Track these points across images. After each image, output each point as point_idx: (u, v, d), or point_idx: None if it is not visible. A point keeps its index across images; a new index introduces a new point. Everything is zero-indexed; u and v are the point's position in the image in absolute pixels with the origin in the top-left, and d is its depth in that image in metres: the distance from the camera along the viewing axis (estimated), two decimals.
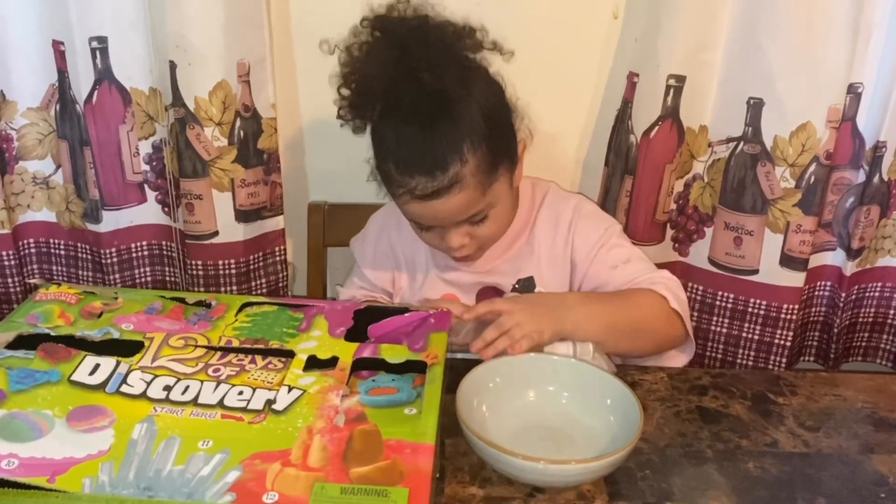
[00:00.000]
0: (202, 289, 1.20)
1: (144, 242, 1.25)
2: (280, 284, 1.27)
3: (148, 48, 1.12)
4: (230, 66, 1.10)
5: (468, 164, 0.89)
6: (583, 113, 1.24)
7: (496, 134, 0.92)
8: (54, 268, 1.28)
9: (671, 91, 1.11)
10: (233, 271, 1.20)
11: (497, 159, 0.92)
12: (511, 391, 0.85)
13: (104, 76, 1.14)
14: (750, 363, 1.23)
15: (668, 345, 1.01)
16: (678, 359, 1.04)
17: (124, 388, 0.73)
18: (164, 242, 1.26)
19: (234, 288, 1.21)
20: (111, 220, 1.21)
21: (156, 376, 0.75)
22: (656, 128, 1.13)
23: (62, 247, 1.27)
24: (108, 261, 1.23)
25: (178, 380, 0.75)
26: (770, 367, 1.22)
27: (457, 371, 0.83)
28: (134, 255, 1.25)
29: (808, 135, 1.09)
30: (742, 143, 1.14)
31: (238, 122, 1.14)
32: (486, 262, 1.04)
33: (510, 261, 1.04)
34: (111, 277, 1.24)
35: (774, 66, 1.07)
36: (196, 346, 0.80)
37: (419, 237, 1.00)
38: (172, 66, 1.08)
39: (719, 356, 1.25)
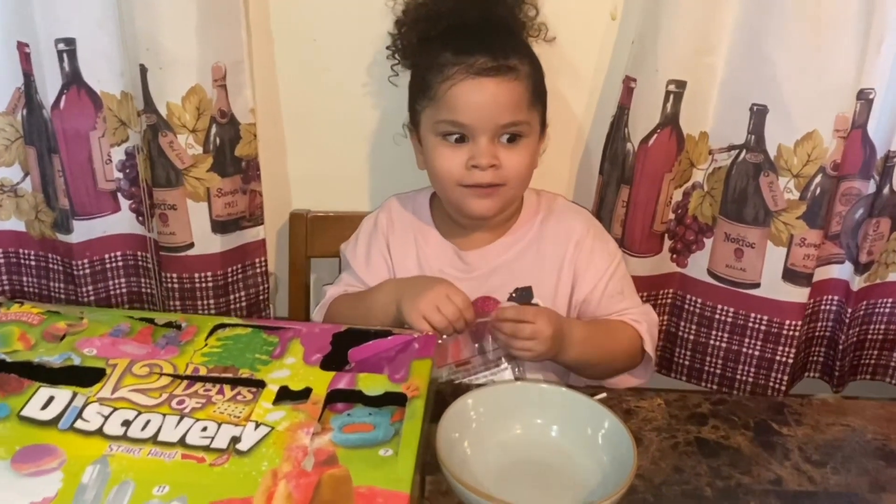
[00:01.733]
0: (178, 303, 1.14)
1: (119, 253, 1.20)
2: (261, 297, 1.21)
3: (118, 49, 1.07)
4: (204, 70, 1.04)
5: (525, 65, 0.95)
6: (576, 119, 1.19)
7: (541, 78, 1.00)
8: (25, 279, 1.22)
9: (671, 97, 1.06)
10: (210, 284, 1.15)
11: (540, 95, 0.99)
12: (496, 424, 0.80)
13: (72, 80, 1.08)
14: (750, 379, 1.18)
15: (624, 370, 1.04)
16: (629, 381, 1.04)
17: (79, 424, 0.68)
18: (139, 253, 1.20)
19: (212, 301, 1.16)
20: (83, 230, 1.15)
21: (115, 409, 0.70)
22: (655, 135, 1.08)
23: (32, 257, 1.21)
24: (81, 272, 1.17)
25: (139, 413, 0.70)
26: (771, 384, 1.17)
27: (443, 397, 0.79)
28: (108, 266, 1.19)
29: (814, 144, 1.04)
30: (744, 151, 1.09)
31: (214, 129, 1.08)
32: (486, 260, 1.01)
33: (510, 264, 1.02)
34: (84, 290, 1.18)
35: (780, 70, 1.02)
36: (161, 375, 0.76)
37: (439, 164, 0.96)
38: (143, 69, 1.03)
39: (717, 371, 1.20)
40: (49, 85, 1.07)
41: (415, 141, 1.03)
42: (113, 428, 0.68)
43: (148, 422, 0.69)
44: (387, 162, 1.20)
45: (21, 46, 1.07)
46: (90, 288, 1.18)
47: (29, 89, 1.09)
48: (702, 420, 0.88)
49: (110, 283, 1.20)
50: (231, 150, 1.11)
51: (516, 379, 0.95)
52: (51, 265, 1.20)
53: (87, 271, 1.18)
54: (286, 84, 1.17)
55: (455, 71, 0.92)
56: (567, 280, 1.02)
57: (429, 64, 0.96)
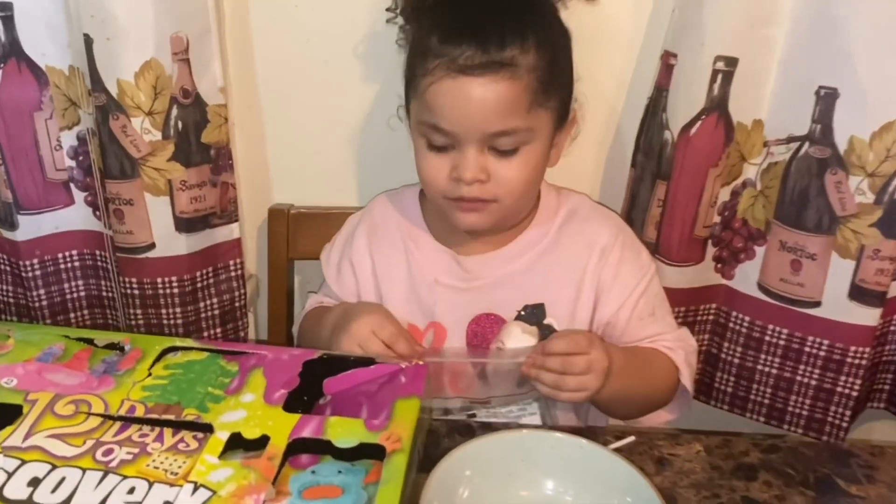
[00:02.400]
0: (139, 311, 1.01)
1: (74, 252, 1.06)
2: (237, 304, 1.07)
3: (63, 16, 0.92)
4: (162, 41, 0.89)
5: (528, 56, 0.77)
6: (605, 102, 1.04)
7: (561, 60, 0.83)
8: None
9: (718, 76, 0.91)
10: (175, 290, 1.00)
11: (554, 87, 0.81)
12: (495, 486, 0.65)
13: (10, 51, 0.94)
14: (804, 412, 1.02)
15: (659, 406, 0.91)
16: (662, 417, 0.91)
17: None
18: (97, 252, 1.06)
19: (178, 310, 1.02)
20: (30, 227, 1.02)
21: (23, 462, 0.60)
22: (699, 122, 0.93)
23: None
24: (30, 274, 1.04)
25: (53, 468, 0.60)
26: (830, 418, 1.01)
27: (436, 437, 0.69)
28: (62, 266, 1.06)
29: (894, 137, 0.88)
30: (807, 143, 0.93)
31: (175, 111, 0.93)
32: (490, 268, 0.88)
33: (519, 275, 0.88)
34: (35, 294, 1.05)
35: (854, 46, 0.87)
36: (89, 415, 0.66)
37: (423, 170, 0.83)
38: (88, 40, 0.88)
39: (765, 401, 1.05)
40: None
41: (409, 128, 0.87)
42: (16, 489, 0.58)
43: (62, 480, 0.59)
44: (381, 150, 1.05)
45: None
46: (42, 292, 1.05)
47: None
48: (750, 473, 0.75)
49: (65, 285, 1.07)
50: (197, 136, 0.96)
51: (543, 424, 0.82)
52: None
53: (38, 272, 1.04)
54: (264, 58, 1.02)
55: (436, 65, 0.77)
56: (588, 297, 0.88)
57: (416, 45, 0.81)
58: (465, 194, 0.80)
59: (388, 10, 0.90)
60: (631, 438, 0.76)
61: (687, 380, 0.87)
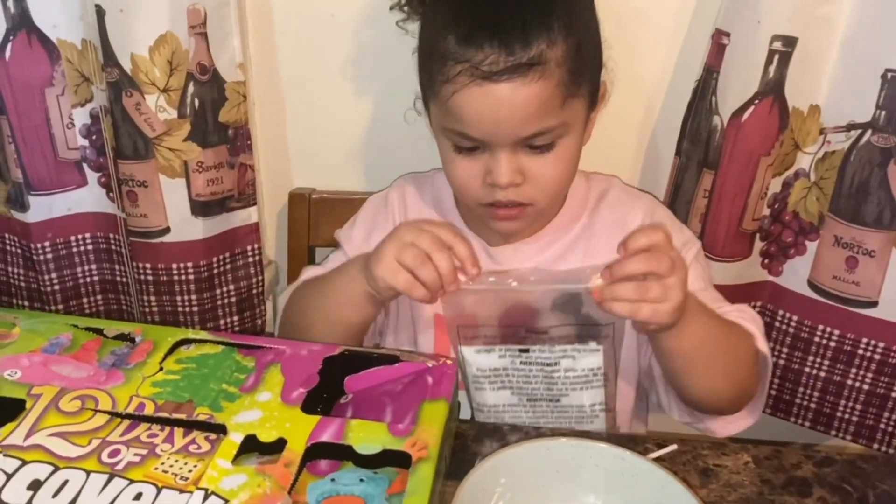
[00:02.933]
0: (153, 298, 0.97)
1: (87, 235, 1.02)
2: (254, 291, 1.03)
3: None
4: (178, 13, 0.85)
5: (556, 49, 0.70)
6: (648, 83, 0.97)
7: (589, 38, 0.76)
8: None
9: (775, 57, 0.84)
10: (191, 277, 0.96)
11: (585, 71, 0.74)
12: (529, 499, 0.61)
13: (20, 23, 0.90)
14: (854, 419, 0.97)
15: (745, 395, 0.80)
16: (736, 424, 0.81)
17: None
18: (111, 235, 1.02)
19: (194, 297, 0.98)
20: (42, 208, 0.98)
21: (24, 462, 0.57)
22: (751, 107, 0.87)
23: None
24: (42, 257, 1.00)
25: (56, 469, 0.56)
26: (882, 425, 0.95)
27: (464, 441, 0.65)
28: (74, 249, 1.02)
29: None
30: (870, 131, 0.87)
31: (191, 88, 0.89)
32: (521, 258, 0.83)
33: (552, 265, 0.83)
34: (46, 277, 1.01)
35: None
36: (95, 412, 0.62)
37: (452, 174, 0.77)
38: (100, 12, 0.83)
39: (812, 405, 0.99)
40: None
41: (429, 124, 0.81)
42: (15, 493, 0.55)
43: (64, 483, 0.56)
44: (408, 133, 0.98)
45: None
46: (54, 276, 1.02)
47: None
48: (803, 488, 0.69)
49: (78, 269, 1.04)
50: (214, 115, 0.92)
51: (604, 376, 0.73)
52: (8, 247, 1.03)
53: (50, 256, 1.01)
54: (284, 34, 0.97)
55: (458, 72, 0.70)
56: None
57: (431, 45, 0.74)
58: (500, 198, 0.74)
59: None
60: (673, 447, 0.70)
61: (763, 344, 0.78)
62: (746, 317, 0.80)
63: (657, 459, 0.64)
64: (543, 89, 0.70)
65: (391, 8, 0.83)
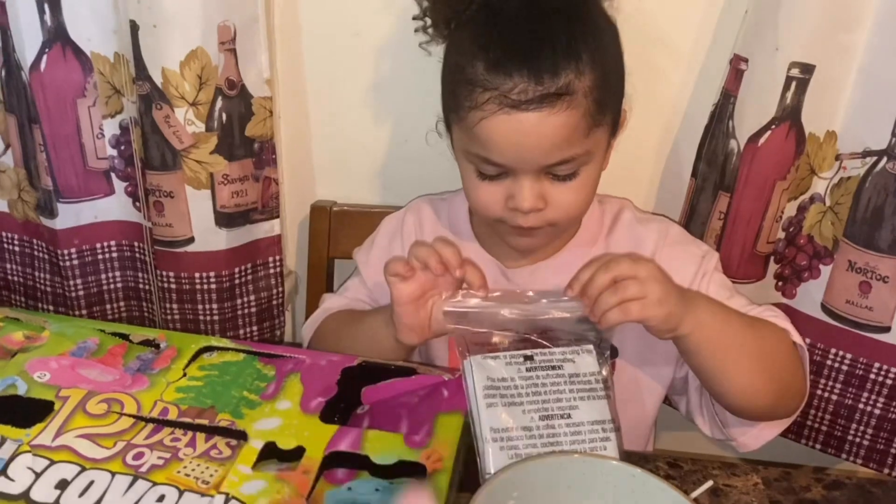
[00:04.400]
0: (175, 306, 0.98)
1: (113, 242, 1.04)
2: (274, 302, 1.04)
3: (110, 2, 0.89)
4: (209, 30, 0.86)
5: (584, 79, 0.70)
6: (666, 106, 0.98)
7: (614, 67, 0.76)
8: (9, 266, 1.08)
9: (792, 84, 0.85)
10: (213, 286, 0.98)
11: (609, 100, 0.74)
12: None
13: (56, 36, 0.91)
14: (865, 443, 0.96)
15: (790, 391, 0.79)
16: (770, 430, 0.81)
17: (1, 485, 0.55)
18: (136, 244, 1.04)
19: (215, 306, 0.99)
20: (70, 215, 1.00)
21: (52, 462, 0.58)
22: (768, 131, 0.87)
23: (16, 242, 1.06)
24: (68, 263, 1.02)
25: (82, 469, 0.58)
26: (893, 450, 0.95)
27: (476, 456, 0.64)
28: (100, 257, 1.04)
29: None
30: (885, 159, 0.87)
31: (219, 103, 0.90)
32: (537, 281, 0.83)
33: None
34: (72, 283, 1.03)
35: None
36: (121, 415, 0.63)
37: (474, 197, 0.78)
38: (134, 26, 0.85)
39: (823, 428, 0.99)
40: (27, 42, 0.91)
41: (450, 146, 0.83)
42: (43, 491, 0.56)
43: (90, 484, 0.57)
44: (430, 150, 0.99)
45: None
46: (79, 281, 1.03)
47: (6, 47, 0.93)
48: None
49: (102, 276, 1.05)
50: (241, 129, 0.93)
51: (604, 384, 0.71)
52: (36, 252, 1.05)
53: (76, 262, 1.03)
54: (311, 51, 0.98)
55: (487, 99, 0.70)
56: None
57: (457, 69, 0.74)
58: (522, 223, 0.75)
59: (415, 18, 0.83)
60: (709, 483, 0.68)
61: (798, 338, 0.78)
62: (775, 314, 0.80)
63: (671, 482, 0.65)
64: (570, 119, 0.70)
65: (416, 31, 0.83)
